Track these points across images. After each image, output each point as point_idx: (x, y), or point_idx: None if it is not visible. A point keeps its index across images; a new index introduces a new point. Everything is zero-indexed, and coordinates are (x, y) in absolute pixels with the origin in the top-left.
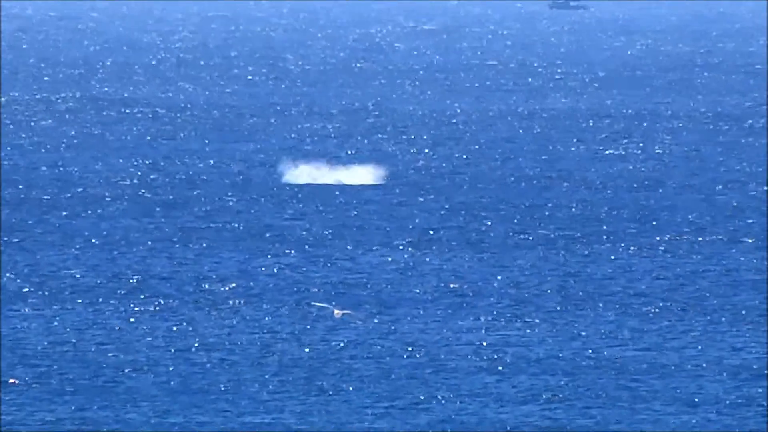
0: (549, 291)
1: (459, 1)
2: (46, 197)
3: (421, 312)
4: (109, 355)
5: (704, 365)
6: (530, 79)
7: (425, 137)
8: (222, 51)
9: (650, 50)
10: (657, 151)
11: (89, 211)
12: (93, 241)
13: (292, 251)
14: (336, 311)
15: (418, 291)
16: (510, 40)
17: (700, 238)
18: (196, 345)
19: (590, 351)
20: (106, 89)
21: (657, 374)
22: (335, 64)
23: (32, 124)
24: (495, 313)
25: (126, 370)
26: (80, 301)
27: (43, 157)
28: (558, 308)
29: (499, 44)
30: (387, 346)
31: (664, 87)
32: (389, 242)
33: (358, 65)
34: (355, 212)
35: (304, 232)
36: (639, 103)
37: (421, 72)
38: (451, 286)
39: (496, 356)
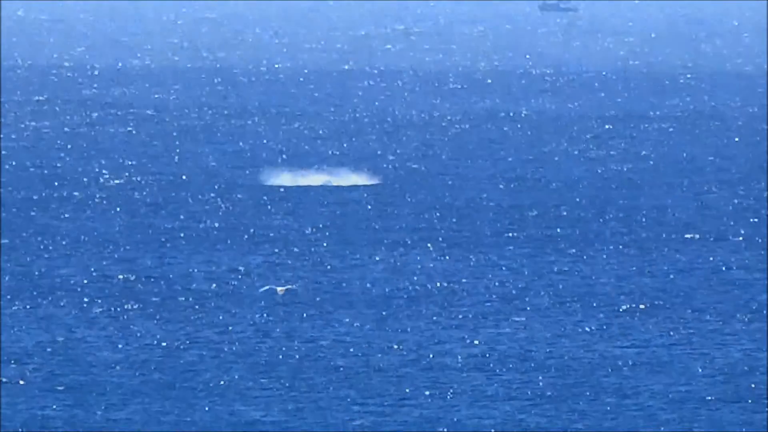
0: (538, 290)
1: (450, 2)
2: (34, 197)
3: (409, 311)
4: (99, 354)
5: (693, 362)
6: (519, 81)
7: (413, 138)
8: (211, 52)
9: (639, 51)
10: (644, 153)
11: (77, 212)
12: (81, 241)
13: (281, 251)
14: (279, 289)
15: (406, 290)
16: (499, 41)
17: (687, 236)
18: (186, 343)
19: (579, 349)
20: (95, 91)
21: (645, 371)
22: (325, 66)
23: (21, 125)
24: (484, 312)
25: (116, 368)
26: (68, 300)
27: (31, 158)
28: (547, 307)
29: (489, 46)
30: (375, 344)
31: (651, 88)
32: (377, 242)
33: (347, 67)
34: (343, 213)
35: (292, 233)
36: (627, 104)
37: (410, 73)
38: (439, 285)
39: (484, 354)
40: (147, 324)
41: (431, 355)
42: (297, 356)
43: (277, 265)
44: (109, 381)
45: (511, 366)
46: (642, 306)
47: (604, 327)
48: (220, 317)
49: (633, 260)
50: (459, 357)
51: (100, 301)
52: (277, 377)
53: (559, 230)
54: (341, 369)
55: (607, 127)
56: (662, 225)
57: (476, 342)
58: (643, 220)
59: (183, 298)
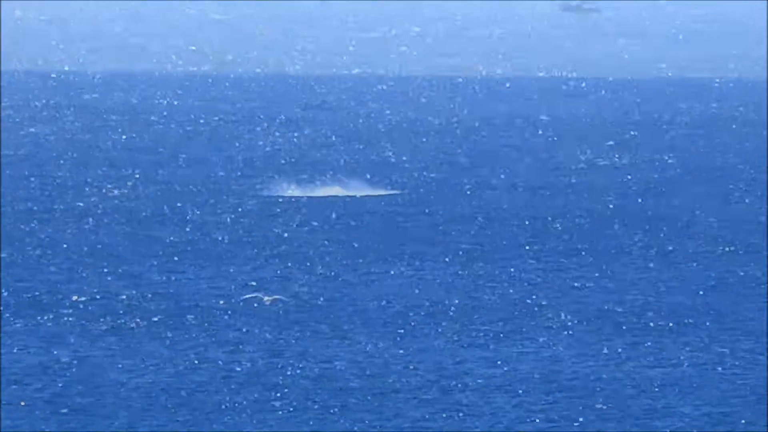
0: (561, 306)
1: (466, 2)
2: (34, 208)
3: (427, 328)
4: (104, 374)
5: (726, 383)
6: (540, 85)
7: (430, 145)
8: (218, 56)
9: (665, 54)
10: (671, 161)
11: (79, 224)
12: (84, 254)
13: (292, 265)
14: (266, 298)
15: (423, 306)
16: (519, 43)
17: (718, 249)
18: (195, 363)
19: (606, 369)
20: (96, 96)
21: (676, 393)
22: (336, 69)
23: (20, 132)
24: (505, 329)
25: (122, 390)
26: (72, 318)
27: (30, 167)
28: (571, 324)
29: (508, 48)
30: (392, 364)
31: (678, 93)
32: (393, 255)
33: (360, 70)
34: (357, 224)
35: (304, 246)
36: (652, 109)
37: (426, 77)
38: (458, 301)
39: (506, 375)
40: (154, 343)
41: (450, 376)
42: (310, 377)
43: (288, 279)
44: (114, 403)
45: (534, 387)
46: (671, 323)
47: (632, 346)
48: (230, 335)
49: (661, 274)
50: (480, 377)
51: (104, 318)
52: (289, 399)
53: (583, 243)
54: (356, 390)
55: (632, 133)
56: (691, 237)
57: (498, 361)
58: (671, 231)
59: (191, 316)
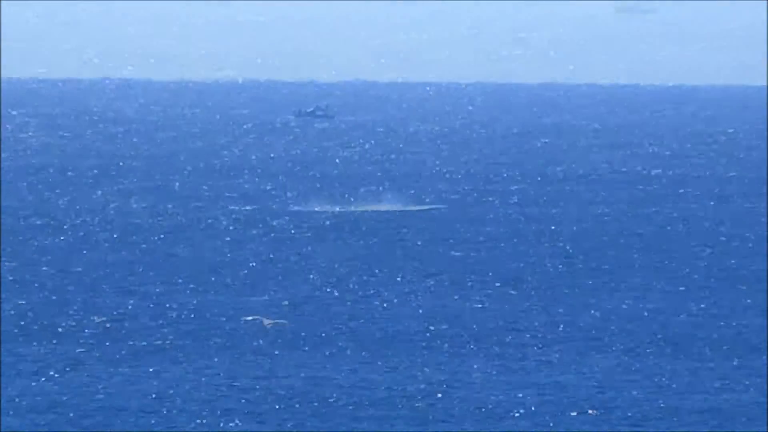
0: (615, 328)
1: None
2: (46, 227)
3: (468, 352)
4: (124, 402)
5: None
6: (591, 92)
7: (471, 156)
8: (248, 61)
9: (730, 59)
10: (732, 173)
11: (94, 242)
12: (101, 275)
13: (323, 286)
14: (265, 321)
15: (465, 328)
16: (571, 47)
17: None
18: (223, 390)
19: (666, 394)
20: (112, 104)
21: (744, 420)
22: (376, 76)
23: (30, 143)
24: (553, 353)
25: (142, 419)
26: (89, 343)
27: (41, 182)
28: (626, 347)
29: (559, 53)
30: (434, 390)
31: (743, 102)
32: (430, 274)
33: (401, 78)
34: (392, 242)
35: (335, 264)
36: (713, 119)
37: (472, 84)
38: (502, 323)
39: (557, 402)
40: (176, 369)
41: (497, 403)
42: (347, 405)
43: (315, 298)
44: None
45: (588, 417)
46: (737, 347)
47: (693, 371)
48: (259, 360)
49: (724, 294)
50: (530, 405)
51: (123, 343)
52: (329, 425)
53: (636, 259)
54: (398, 418)
55: (688, 144)
56: (758, 255)
57: (548, 388)
58: (734, 249)
59: (218, 339)
